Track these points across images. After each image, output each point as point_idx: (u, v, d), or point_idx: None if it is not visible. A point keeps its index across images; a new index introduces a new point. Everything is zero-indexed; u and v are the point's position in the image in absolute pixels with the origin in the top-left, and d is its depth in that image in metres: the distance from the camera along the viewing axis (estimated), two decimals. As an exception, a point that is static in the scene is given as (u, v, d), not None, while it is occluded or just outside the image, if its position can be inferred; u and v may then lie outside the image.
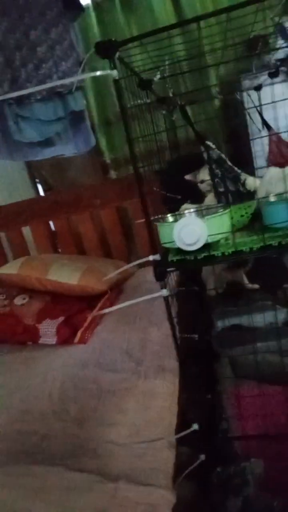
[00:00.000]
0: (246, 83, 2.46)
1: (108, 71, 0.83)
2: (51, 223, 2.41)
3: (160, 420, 1.02)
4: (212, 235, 0.91)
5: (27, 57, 1.94)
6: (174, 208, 1.61)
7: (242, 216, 1.11)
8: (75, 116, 2.03)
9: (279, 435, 1.29)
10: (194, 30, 2.26)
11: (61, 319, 1.53)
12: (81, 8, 2.06)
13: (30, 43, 1.94)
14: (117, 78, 0.85)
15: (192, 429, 0.99)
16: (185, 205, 1.37)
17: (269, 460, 1.23)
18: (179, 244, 0.91)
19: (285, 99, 1.26)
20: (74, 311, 1.59)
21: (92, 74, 0.84)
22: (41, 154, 2.02)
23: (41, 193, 2.96)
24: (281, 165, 1.71)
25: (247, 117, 2.20)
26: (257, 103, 1.97)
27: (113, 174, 2.84)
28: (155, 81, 1.16)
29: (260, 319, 1.99)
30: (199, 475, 1.17)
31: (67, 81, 1.71)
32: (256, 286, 1.82)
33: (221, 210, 0.96)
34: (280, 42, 2.50)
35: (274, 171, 1.18)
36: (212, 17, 0.95)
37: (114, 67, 0.84)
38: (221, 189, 1.45)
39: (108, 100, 2.77)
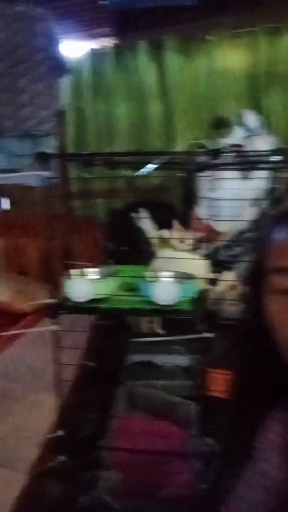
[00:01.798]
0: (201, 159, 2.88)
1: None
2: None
3: (37, 424, 1.32)
4: (96, 294, 1.25)
5: (11, 100, 2.31)
6: (119, 258, 1.93)
7: (134, 275, 1.44)
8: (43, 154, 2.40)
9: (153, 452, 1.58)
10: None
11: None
12: (67, 70, 2.47)
13: (16, 89, 2.32)
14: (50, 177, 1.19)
15: (56, 434, 1.29)
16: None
17: (127, 470, 1.53)
18: (71, 296, 1.24)
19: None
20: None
21: (31, 173, 1.19)
22: (6, 179, 2.37)
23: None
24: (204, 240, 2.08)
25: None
26: (203, 181, 2.35)
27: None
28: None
29: (169, 360, 2.33)
30: (68, 477, 1.47)
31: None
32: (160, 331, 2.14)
33: (112, 274, 1.31)
34: (238, 129, 2.96)
35: (167, 252, 1.54)
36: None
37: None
38: (141, 251, 1.81)
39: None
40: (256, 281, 0.54)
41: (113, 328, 2.17)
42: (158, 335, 2.09)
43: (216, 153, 1.13)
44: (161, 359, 2.36)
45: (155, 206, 3.11)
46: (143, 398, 2.02)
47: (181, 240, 1.69)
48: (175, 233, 1.68)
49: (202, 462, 1.28)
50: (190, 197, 2.73)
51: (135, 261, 1.83)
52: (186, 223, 2.36)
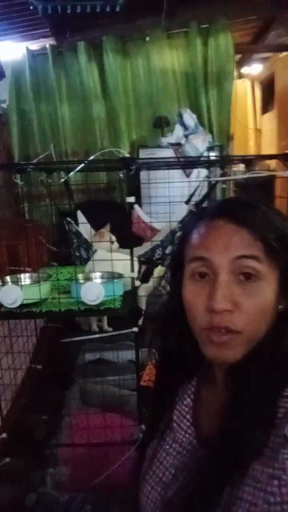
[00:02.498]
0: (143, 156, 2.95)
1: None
2: None
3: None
4: (27, 299, 1.30)
5: None
6: (62, 260, 1.96)
7: (71, 275, 1.50)
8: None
9: (92, 445, 1.65)
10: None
11: None
12: (2, 75, 2.47)
13: None
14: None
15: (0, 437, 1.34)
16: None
17: (75, 465, 1.60)
18: (3, 302, 1.29)
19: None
20: None
21: None
22: None
23: None
24: (144, 239, 2.15)
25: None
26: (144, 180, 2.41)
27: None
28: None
29: (121, 356, 2.40)
30: (15, 478, 1.52)
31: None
32: (110, 329, 2.21)
33: (43, 280, 1.36)
34: (178, 128, 3.06)
35: (102, 253, 1.61)
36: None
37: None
38: (77, 254, 1.87)
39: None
40: (177, 268, 0.63)
41: (62, 329, 2.21)
42: (102, 332, 2.14)
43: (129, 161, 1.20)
44: (113, 356, 2.43)
45: (101, 206, 3.19)
46: (94, 394, 2.08)
47: (111, 241, 1.76)
48: (105, 233, 1.74)
49: (137, 448, 1.36)
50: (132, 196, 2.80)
51: (76, 263, 1.88)
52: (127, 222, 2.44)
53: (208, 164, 2.13)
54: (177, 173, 2.61)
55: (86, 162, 1.22)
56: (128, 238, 1.38)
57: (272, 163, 3.46)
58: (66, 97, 3.30)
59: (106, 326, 2.24)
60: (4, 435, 1.37)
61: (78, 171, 1.50)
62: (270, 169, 3.43)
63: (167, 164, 1.54)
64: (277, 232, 0.55)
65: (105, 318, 2.27)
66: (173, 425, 0.65)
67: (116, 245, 1.80)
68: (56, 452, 1.69)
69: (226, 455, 0.52)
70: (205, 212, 0.61)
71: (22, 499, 1.45)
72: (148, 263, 1.56)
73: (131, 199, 1.24)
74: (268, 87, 4.55)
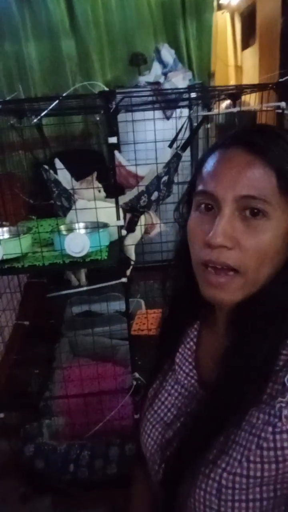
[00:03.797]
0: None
1: None
2: None
3: None
4: (8, 254, 1.22)
5: None
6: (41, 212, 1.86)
7: (53, 228, 1.43)
8: None
9: (86, 395, 1.67)
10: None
11: None
12: None
13: None
14: None
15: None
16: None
17: (73, 415, 1.62)
18: (-18, 258, 1.21)
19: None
20: None
21: None
22: None
23: None
24: (127, 187, 2.05)
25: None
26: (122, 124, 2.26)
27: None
28: None
29: (109, 307, 2.39)
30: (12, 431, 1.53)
31: None
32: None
33: (23, 233, 1.28)
34: (156, 66, 2.85)
35: (81, 202, 1.52)
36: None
37: None
38: (59, 203, 1.77)
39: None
40: (188, 201, 0.60)
41: (46, 284, 2.16)
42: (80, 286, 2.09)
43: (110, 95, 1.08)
44: (100, 307, 2.43)
45: (80, 154, 3.03)
46: (84, 346, 2.09)
47: (99, 188, 1.67)
48: (91, 182, 1.65)
49: (132, 394, 1.38)
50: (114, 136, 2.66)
51: (56, 215, 1.80)
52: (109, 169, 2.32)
53: (190, 101, 2.00)
54: (157, 116, 2.46)
55: (60, 98, 1.09)
56: (114, 185, 1.29)
57: (252, 100, 3.31)
58: (32, 35, 3.00)
59: (84, 280, 2.19)
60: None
61: (51, 114, 1.37)
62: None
63: (150, 102, 1.42)
64: None
65: (82, 271, 2.21)
66: (175, 367, 0.65)
67: (103, 193, 1.71)
68: (51, 404, 1.70)
69: (225, 399, 0.52)
70: (220, 141, 0.56)
71: (21, 451, 1.47)
72: (132, 211, 1.49)
73: (113, 139, 1.14)
74: (249, 20, 4.25)
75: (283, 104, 1.12)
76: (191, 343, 0.65)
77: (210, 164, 0.54)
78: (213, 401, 0.54)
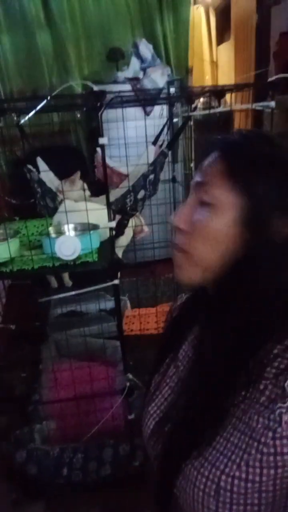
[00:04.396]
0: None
1: None
2: None
3: None
4: (-3, 258, 1.19)
5: None
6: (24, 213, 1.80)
7: (38, 229, 1.40)
8: None
9: (76, 398, 1.65)
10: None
11: None
12: None
13: None
14: None
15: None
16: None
17: (64, 419, 1.60)
18: None
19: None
20: None
21: None
22: None
23: None
24: (110, 185, 2.02)
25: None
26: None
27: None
28: None
29: (94, 307, 2.37)
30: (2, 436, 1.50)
31: None
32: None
33: (10, 237, 1.25)
34: (134, 61, 2.82)
35: (69, 204, 1.49)
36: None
37: None
38: (43, 203, 1.73)
39: None
40: None
41: (30, 286, 2.12)
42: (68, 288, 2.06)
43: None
44: (86, 307, 2.40)
45: (59, 152, 2.97)
46: (70, 346, 2.06)
47: (84, 189, 1.64)
48: (76, 181, 1.62)
49: (126, 395, 1.37)
50: (92, 140, 2.62)
51: (40, 215, 1.75)
52: (91, 167, 2.28)
53: (173, 99, 1.99)
54: (137, 112, 2.44)
55: (48, 98, 1.06)
56: (103, 184, 1.27)
57: (228, 99, 3.34)
58: (6, 27, 2.90)
59: (67, 280, 2.16)
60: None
61: (38, 111, 1.33)
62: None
63: (136, 100, 1.40)
64: (255, 156, 0.52)
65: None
66: (179, 363, 0.65)
67: (88, 193, 1.68)
68: (40, 408, 1.68)
69: (211, 390, 0.53)
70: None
71: (12, 457, 1.44)
72: (122, 212, 1.47)
73: (104, 140, 1.12)
74: (223, 15, 4.26)
75: (272, 104, 1.12)
76: (195, 341, 0.65)
77: (205, 162, 0.58)
78: (201, 392, 0.55)
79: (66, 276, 2.13)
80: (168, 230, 0.90)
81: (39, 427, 1.55)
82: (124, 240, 1.60)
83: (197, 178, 0.55)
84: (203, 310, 0.64)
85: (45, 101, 1.06)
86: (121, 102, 1.72)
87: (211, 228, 0.52)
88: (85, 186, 1.65)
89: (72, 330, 2.12)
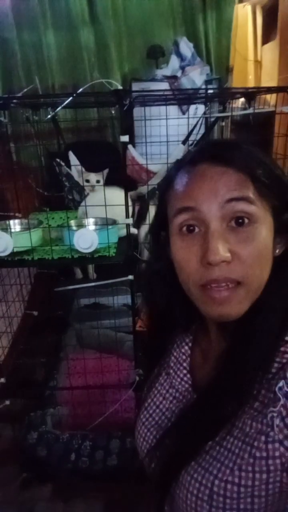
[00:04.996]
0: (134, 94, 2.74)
1: None
2: None
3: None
4: (18, 247, 1.24)
5: None
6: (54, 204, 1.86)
7: (63, 221, 1.44)
8: None
9: (90, 387, 1.70)
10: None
11: None
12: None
13: None
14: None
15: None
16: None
17: (77, 406, 1.65)
18: (-7, 250, 1.23)
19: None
20: None
21: None
22: None
23: None
24: (139, 182, 2.04)
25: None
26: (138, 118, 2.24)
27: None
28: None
29: (117, 300, 2.41)
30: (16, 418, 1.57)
31: None
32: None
33: (34, 227, 1.30)
34: (173, 59, 2.82)
35: (94, 197, 1.53)
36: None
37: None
38: (70, 197, 1.79)
39: None
40: (161, 228, 0.58)
41: (56, 276, 2.19)
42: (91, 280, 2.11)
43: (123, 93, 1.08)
44: (108, 300, 2.44)
45: (92, 147, 3.03)
46: (90, 337, 2.11)
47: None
48: (96, 176, 1.65)
49: (134, 390, 1.40)
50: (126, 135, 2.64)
51: (69, 208, 1.81)
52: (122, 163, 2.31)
53: (206, 99, 1.98)
54: (173, 111, 2.44)
55: (74, 95, 1.10)
56: (122, 181, 1.29)
57: (272, 99, 3.26)
58: (51, 25, 2.99)
59: (92, 273, 2.21)
60: (2, 380, 1.39)
61: (66, 107, 1.37)
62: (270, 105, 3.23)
63: (165, 99, 1.41)
64: (266, 168, 0.51)
65: (90, 265, 2.23)
66: (170, 371, 0.65)
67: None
68: (55, 394, 1.74)
69: (215, 403, 0.52)
70: (186, 159, 0.55)
71: (24, 438, 1.51)
72: (140, 200, 1.48)
73: (125, 138, 1.14)
74: (270, 13, 4.15)
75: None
76: (186, 347, 0.65)
77: (181, 182, 0.52)
78: (203, 405, 0.55)
79: (90, 268, 2.19)
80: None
81: (52, 411, 1.61)
82: (142, 236, 1.62)
83: (227, 196, 0.49)
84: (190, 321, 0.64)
85: (70, 98, 1.09)
86: (153, 100, 1.74)
87: (260, 247, 0.50)
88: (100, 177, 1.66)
89: (93, 322, 2.17)
